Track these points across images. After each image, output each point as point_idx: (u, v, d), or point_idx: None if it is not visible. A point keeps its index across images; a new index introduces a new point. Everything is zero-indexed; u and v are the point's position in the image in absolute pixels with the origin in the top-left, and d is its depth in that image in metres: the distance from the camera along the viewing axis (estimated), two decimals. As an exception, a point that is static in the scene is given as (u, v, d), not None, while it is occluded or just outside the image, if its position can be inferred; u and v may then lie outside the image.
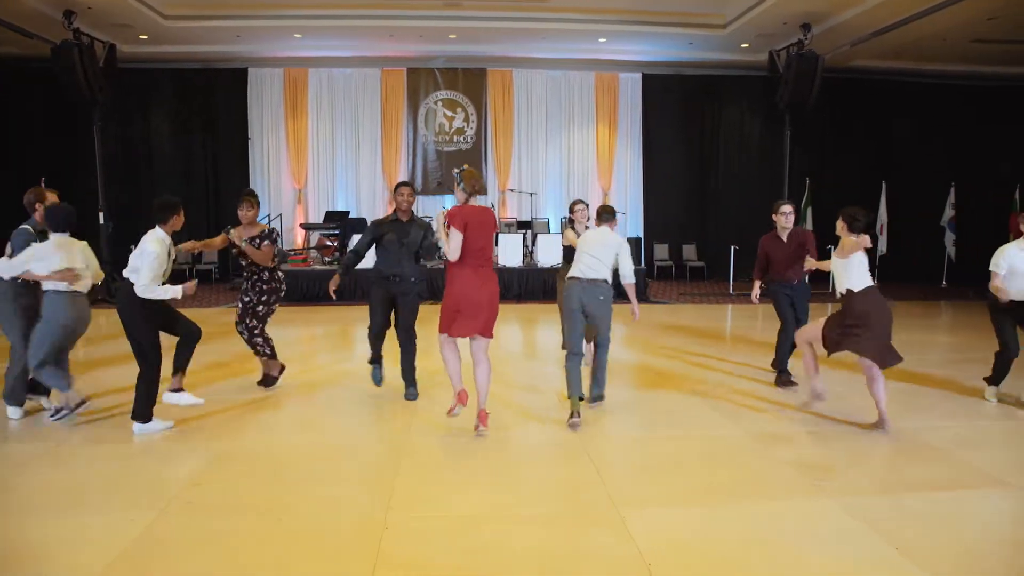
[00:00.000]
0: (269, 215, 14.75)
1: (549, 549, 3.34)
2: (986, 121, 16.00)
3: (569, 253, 6.43)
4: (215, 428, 5.13)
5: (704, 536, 3.48)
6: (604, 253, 5.42)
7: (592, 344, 6.48)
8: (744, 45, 13.75)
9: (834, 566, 3.20)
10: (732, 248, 13.37)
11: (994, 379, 6.01)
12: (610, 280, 5.51)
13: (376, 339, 5.94)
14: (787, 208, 6.34)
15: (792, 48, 12.42)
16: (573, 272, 5.47)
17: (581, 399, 5.29)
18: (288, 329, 9.65)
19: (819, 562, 3.23)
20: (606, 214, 5.77)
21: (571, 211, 7.01)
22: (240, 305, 6.02)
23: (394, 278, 5.69)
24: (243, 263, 6.01)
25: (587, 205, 7.00)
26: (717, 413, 5.59)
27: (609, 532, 3.51)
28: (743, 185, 15.82)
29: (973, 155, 15.95)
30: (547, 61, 14.94)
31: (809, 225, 13.81)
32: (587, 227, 6.84)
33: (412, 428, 5.15)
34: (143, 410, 4.91)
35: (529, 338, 9.54)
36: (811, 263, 5.86)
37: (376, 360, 6.02)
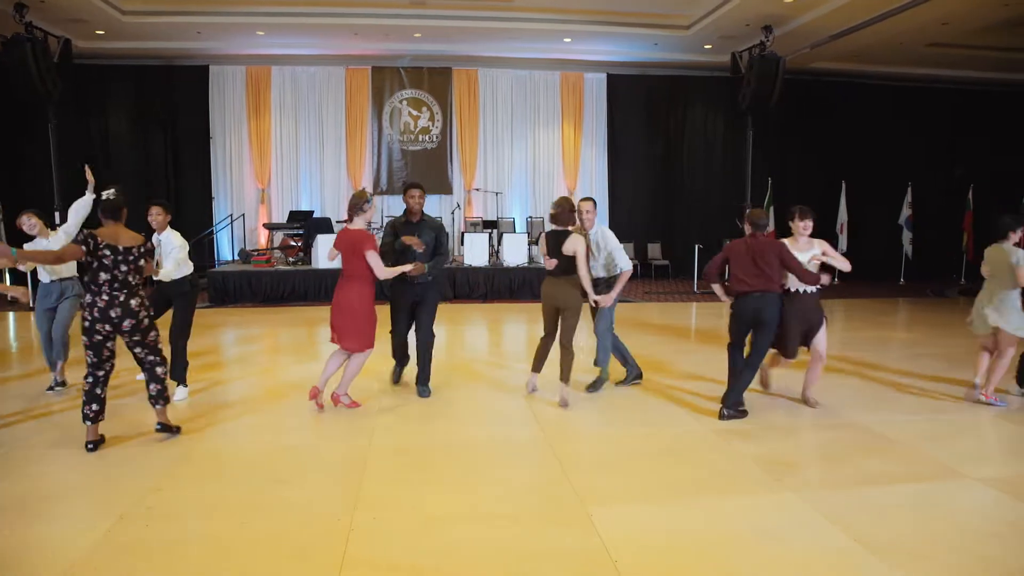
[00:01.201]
0: (232, 215, 14.57)
1: (516, 547, 3.34)
2: (941, 123, 16.43)
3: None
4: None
5: (669, 531, 3.51)
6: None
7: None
8: (707, 46, 13.90)
9: (796, 559, 3.25)
10: (696, 247, 13.50)
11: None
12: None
13: (401, 346, 6.06)
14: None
15: (754, 50, 12.59)
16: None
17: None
18: (251, 330, 9.53)
19: (782, 555, 3.28)
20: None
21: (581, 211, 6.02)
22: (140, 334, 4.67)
23: (413, 281, 5.70)
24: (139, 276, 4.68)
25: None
26: (681, 409, 5.64)
27: (575, 529, 3.52)
28: (707, 184, 16.01)
29: (929, 156, 16.35)
30: (513, 60, 14.94)
31: (772, 225, 14.00)
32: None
33: (378, 429, 5.11)
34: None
35: (495, 338, 9.54)
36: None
37: (402, 359, 6.22)
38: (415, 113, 15.21)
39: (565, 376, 5.59)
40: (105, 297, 4.45)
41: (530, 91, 15.70)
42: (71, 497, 3.89)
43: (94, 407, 4.53)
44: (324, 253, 11.97)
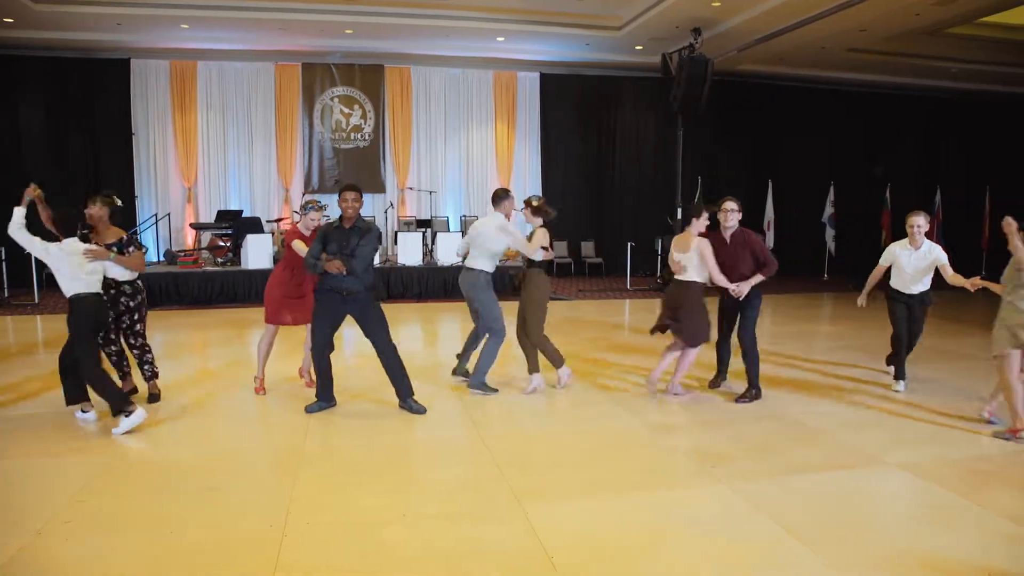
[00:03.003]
0: (156, 215, 14.07)
1: (452, 547, 3.33)
2: (861, 125, 17.12)
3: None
4: (98, 441, 4.83)
5: (604, 526, 3.56)
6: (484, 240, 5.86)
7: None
8: (638, 47, 14.11)
9: (728, 549, 3.33)
10: (629, 245, 13.70)
11: (897, 370, 6.32)
12: (487, 268, 5.87)
13: (320, 361, 5.37)
14: (731, 204, 5.71)
15: (683, 51, 12.83)
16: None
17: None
18: (179, 333, 9.24)
19: (713, 546, 3.36)
20: (497, 198, 5.99)
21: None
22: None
23: (343, 294, 5.21)
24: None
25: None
26: (616, 406, 5.72)
27: (511, 527, 3.53)
28: (639, 183, 16.27)
29: (849, 156, 17.00)
30: (445, 59, 14.87)
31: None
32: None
33: (310, 433, 5.02)
34: (117, 404, 4.92)
35: (430, 338, 9.48)
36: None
37: (326, 399, 5.46)
38: (347, 111, 14.98)
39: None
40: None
41: (463, 89, 15.64)
42: (-17, 512, 3.70)
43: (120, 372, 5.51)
44: (254, 253, 11.70)
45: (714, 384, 6.25)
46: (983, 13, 11.96)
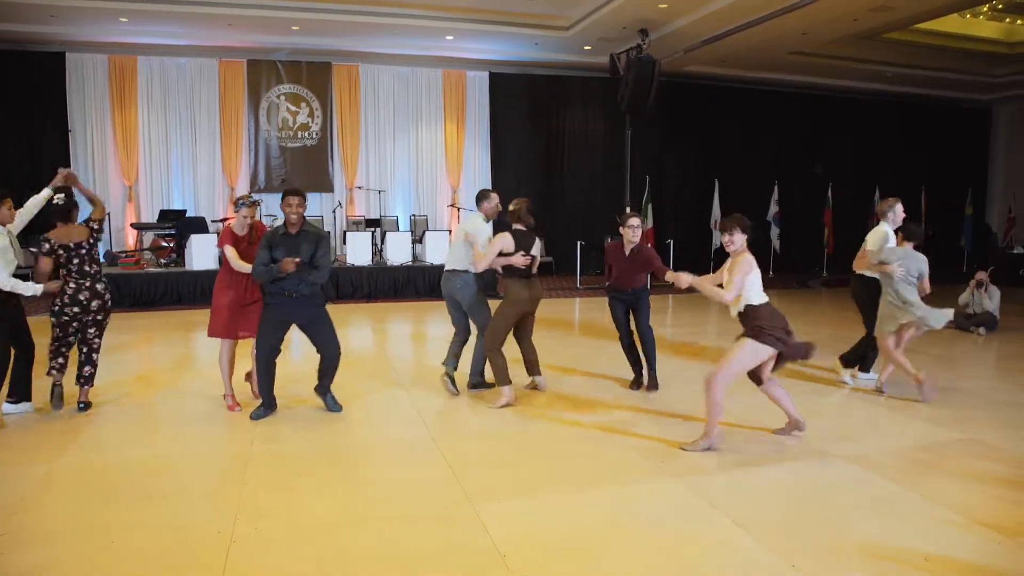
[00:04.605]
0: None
1: (404, 549, 3.31)
2: (803, 125, 17.59)
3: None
4: (36, 448, 4.67)
5: (555, 523, 3.57)
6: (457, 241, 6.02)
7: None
8: (587, 47, 14.22)
9: (677, 542, 3.39)
10: (579, 244, 13.80)
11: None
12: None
13: (267, 368, 5.22)
14: (634, 221, 6.08)
15: (631, 52, 12.97)
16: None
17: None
18: (119, 336, 8.96)
19: (663, 540, 3.41)
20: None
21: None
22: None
23: (295, 296, 5.07)
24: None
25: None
26: (565, 404, 5.75)
27: (464, 527, 3.52)
28: (589, 183, 16.38)
29: (792, 156, 17.44)
30: (394, 57, 14.74)
31: (650, 221, 14.51)
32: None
33: (257, 437, 4.93)
34: None
35: (380, 338, 9.40)
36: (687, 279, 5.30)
37: (269, 405, 5.33)
38: (294, 108, 14.72)
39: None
40: (72, 285, 5.17)
41: (412, 88, 15.51)
42: (-90, 525, 3.53)
43: (59, 360, 5.31)
44: (198, 253, 11.43)
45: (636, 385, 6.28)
46: (917, 20, 12.47)
